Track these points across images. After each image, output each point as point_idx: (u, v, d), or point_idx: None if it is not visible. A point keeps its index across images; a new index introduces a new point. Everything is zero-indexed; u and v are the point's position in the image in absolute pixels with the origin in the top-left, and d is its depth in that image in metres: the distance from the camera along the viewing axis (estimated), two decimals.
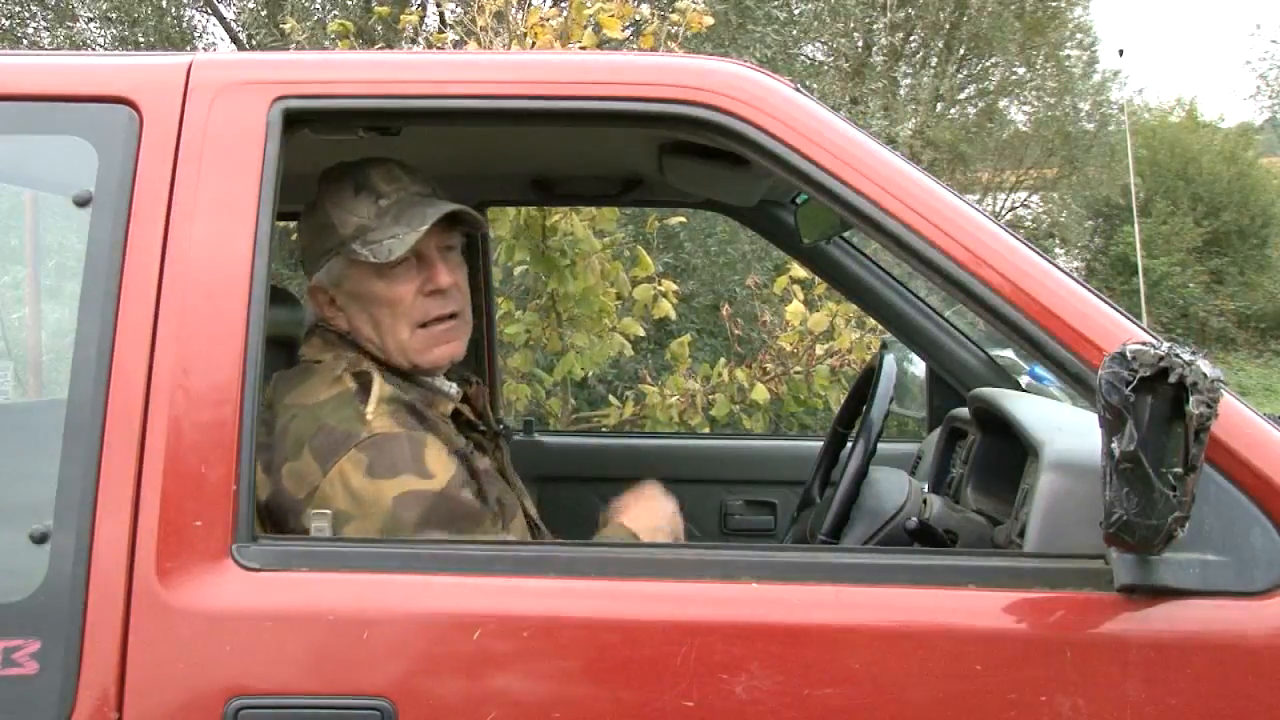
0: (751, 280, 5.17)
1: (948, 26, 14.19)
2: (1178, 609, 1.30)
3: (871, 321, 3.82)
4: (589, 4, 3.83)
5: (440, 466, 1.56)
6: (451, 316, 1.68)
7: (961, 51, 14.70)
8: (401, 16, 4.68)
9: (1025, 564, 1.37)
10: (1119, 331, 1.35)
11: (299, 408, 1.60)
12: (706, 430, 4.17)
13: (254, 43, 8.90)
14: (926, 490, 1.81)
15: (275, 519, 1.56)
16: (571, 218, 3.69)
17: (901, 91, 14.12)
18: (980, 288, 1.39)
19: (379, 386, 1.60)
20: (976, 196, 14.48)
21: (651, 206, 3.81)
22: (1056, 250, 15.78)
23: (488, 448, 1.79)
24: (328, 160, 1.70)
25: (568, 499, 2.45)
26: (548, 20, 3.99)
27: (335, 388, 1.61)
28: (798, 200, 2.41)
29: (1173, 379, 1.19)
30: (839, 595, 1.32)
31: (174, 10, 9.43)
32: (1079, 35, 15.82)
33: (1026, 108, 15.93)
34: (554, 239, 3.71)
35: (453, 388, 1.73)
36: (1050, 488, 1.42)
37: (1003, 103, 15.52)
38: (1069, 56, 15.64)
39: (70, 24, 9.19)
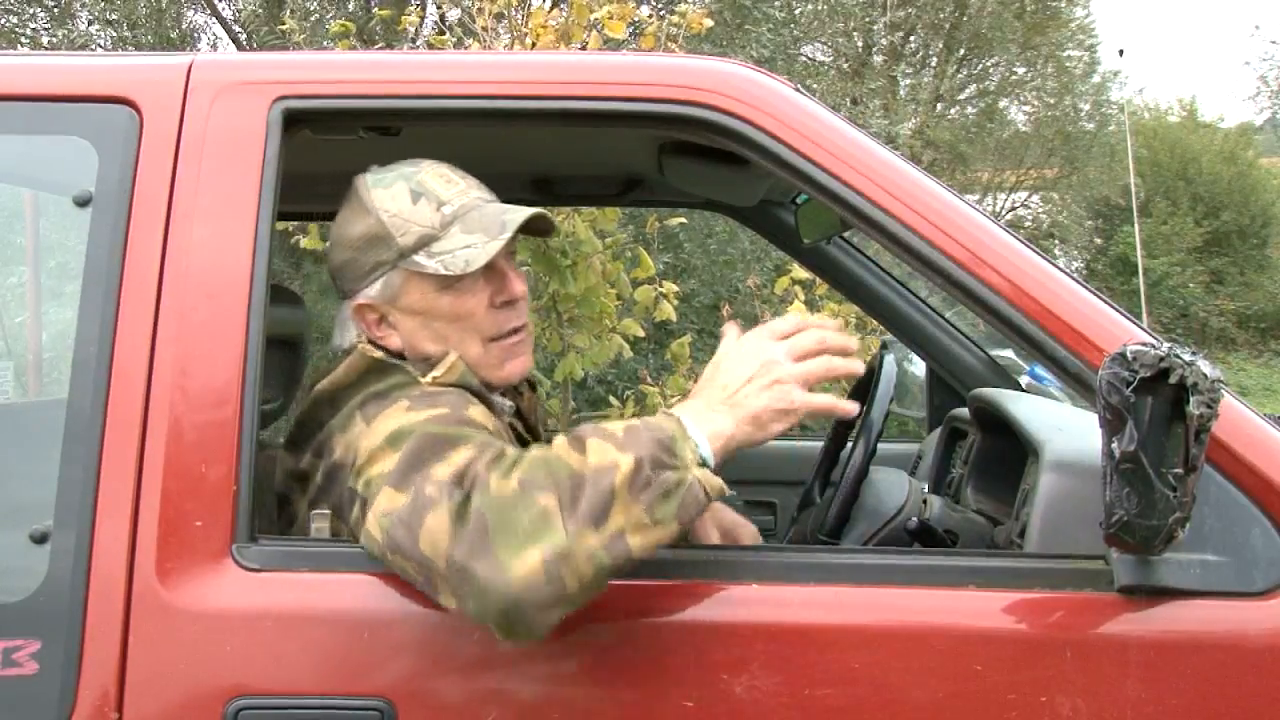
0: (752, 281, 5.17)
1: (948, 26, 14.19)
2: (1178, 609, 1.30)
3: (872, 322, 3.81)
4: (594, 7, 3.83)
5: (484, 419, 1.41)
6: (522, 328, 1.57)
7: (961, 51, 14.70)
8: (401, 18, 4.69)
9: (1025, 564, 1.37)
10: (1119, 332, 1.35)
11: (339, 391, 1.49)
12: None
13: (254, 43, 8.91)
14: (926, 490, 1.81)
15: (329, 497, 1.43)
16: (573, 218, 3.69)
17: (901, 91, 14.12)
18: (980, 288, 1.39)
19: (451, 369, 1.48)
20: (976, 196, 14.48)
21: (651, 206, 3.80)
22: (1056, 250, 15.78)
23: None
24: (328, 160, 1.70)
25: None
26: (549, 21, 3.99)
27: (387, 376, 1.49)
28: (798, 200, 2.41)
29: (1173, 379, 1.19)
30: (839, 595, 1.32)
31: (173, 11, 9.43)
32: (1079, 35, 15.83)
33: (1026, 108, 15.95)
34: (555, 239, 3.71)
35: (507, 403, 1.60)
36: (1050, 488, 1.42)
37: (1003, 103, 15.52)
38: (1069, 56, 15.65)
39: (69, 24, 9.20)
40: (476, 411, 1.41)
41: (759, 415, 1.30)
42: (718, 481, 1.27)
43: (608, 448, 1.24)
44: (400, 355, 1.53)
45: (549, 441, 1.61)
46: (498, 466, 1.25)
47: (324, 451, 1.46)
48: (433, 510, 1.22)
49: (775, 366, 1.31)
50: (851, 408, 1.38)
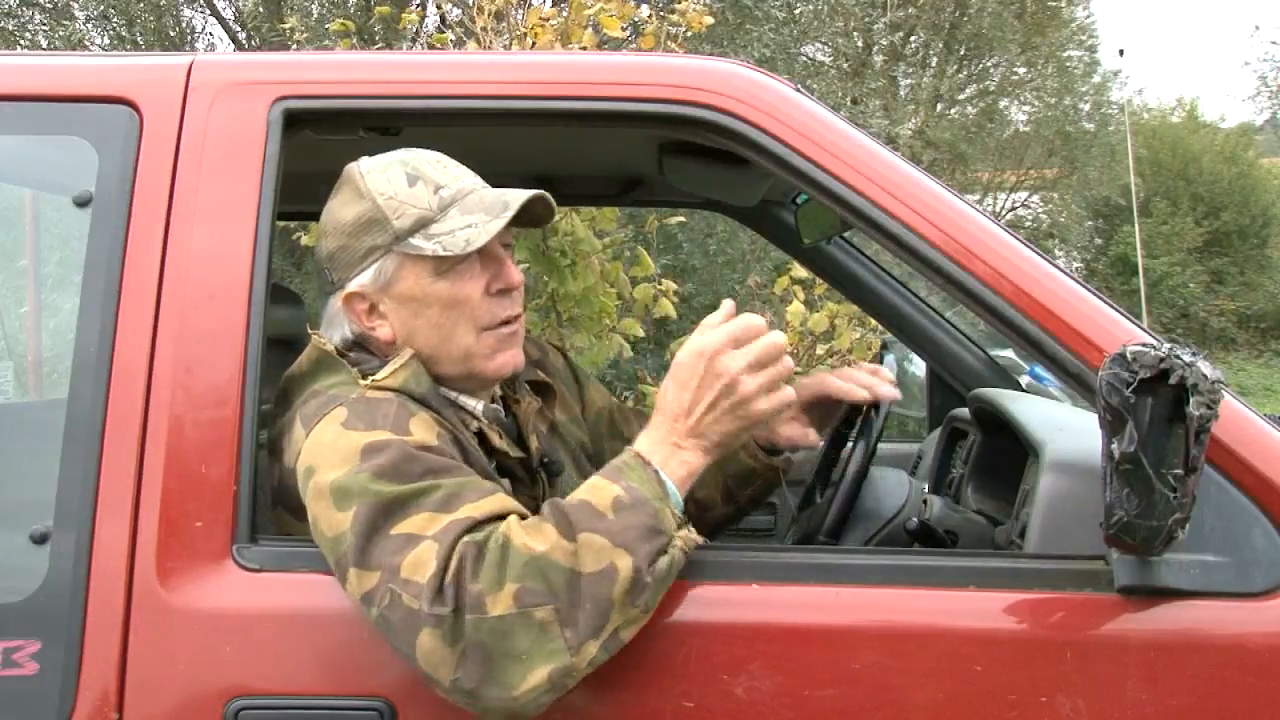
0: (752, 281, 5.17)
1: (948, 26, 14.19)
2: (1178, 610, 1.30)
3: (872, 321, 3.82)
4: (589, 4, 3.83)
5: (426, 433, 1.34)
6: (516, 318, 1.52)
7: (961, 51, 14.71)
8: (402, 16, 4.69)
9: (1025, 565, 1.37)
10: (1119, 332, 1.35)
11: (292, 383, 1.48)
12: None
13: (254, 42, 8.91)
14: (927, 490, 1.81)
15: (288, 503, 1.41)
16: (572, 218, 3.68)
17: (901, 91, 14.12)
18: (980, 288, 1.39)
19: (396, 373, 1.42)
20: (976, 196, 14.49)
21: (652, 206, 3.80)
22: (1056, 250, 15.78)
23: (524, 482, 1.55)
24: (328, 160, 1.70)
25: None
26: (548, 20, 3.99)
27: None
28: (798, 200, 2.41)
29: (1173, 380, 1.19)
30: (839, 595, 1.32)
31: (172, 10, 9.43)
32: (1079, 35, 15.83)
33: (1026, 108, 15.94)
34: (554, 239, 3.71)
35: (479, 406, 1.52)
36: (1050, 488, 1.42)
37: (1003, 103, 15.53)
38: (1069, 56, 15.65)
39: (67, 23, 9.19)
40: (416, 423, 1.35)
41: (725, 439, 1.33)
42: (695, 538, 1.29)
43: (602, 543, 1.22)
44: (366, 350, 1.49)
45: (533, 453, 1.58)
46: (482, 566, 1.20)
47: (275, 450, 1.45)
48: (424, 629, 1.19)
49: (736, 385, 1.31)
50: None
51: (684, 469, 1.31)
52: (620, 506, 1.25)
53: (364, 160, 1.52)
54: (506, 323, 1.50)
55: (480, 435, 1.49)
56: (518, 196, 1.46)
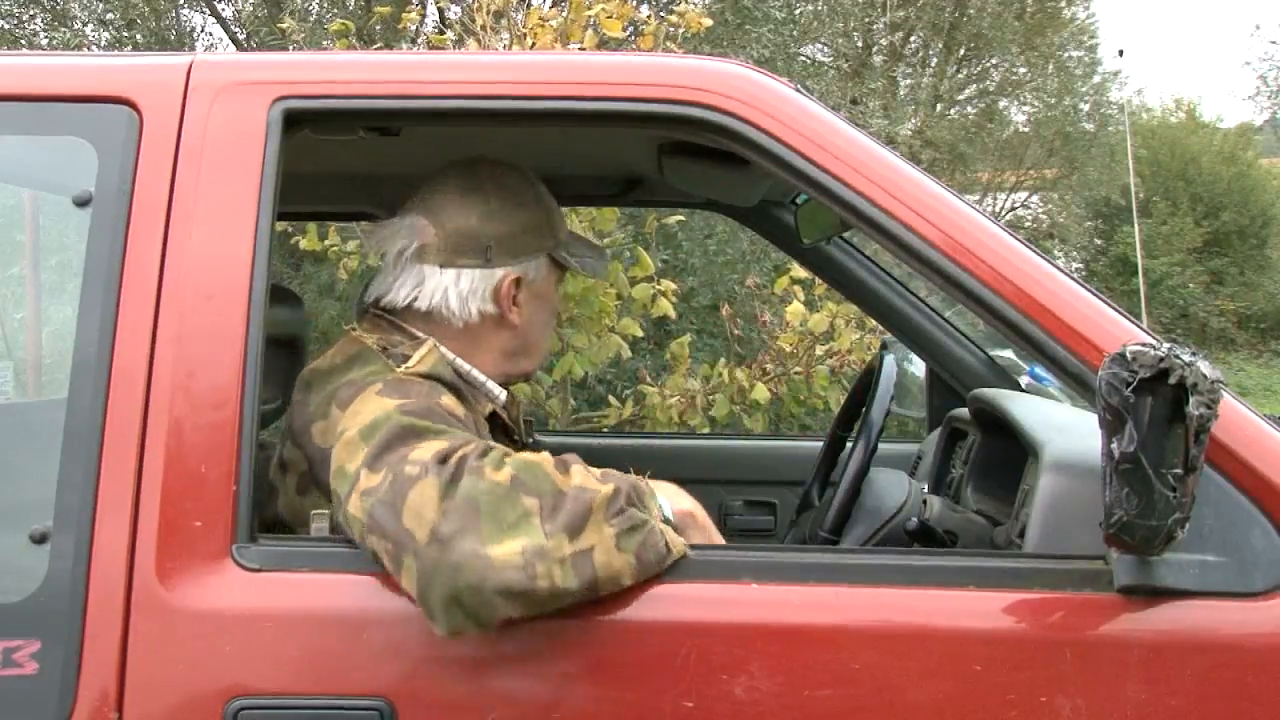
0: (751, 281, 5.17)
1: (948, 26, 14.18)
2: (1178, 610, 1.30)
3: (871, 322, 3.81)
4: (589, 4, 3.83)
5: (454, 408, 1.48)
6: None
7: (961, 52, 14.70)
8: (402, 15, 4.68)
9: (1025, 565, 1.37)
10: (1119, 332, 1.35)
11: (321, 376, 1.56)
12: (706, 430, 4.17)
13: (253, 43, 8.91)
14: (926, 490, 1.81)
15: (318, 484, 1.49)
16: (571, 218, 3.68)
17: (901, 92, 14.12)
18: (980, 288, 1.39)
19: (424, 359, 1.53)
20: (976, 197, 14.49)
21: (651, 206, 3.80)
22: (1056, 251, 15.77)
23: None
24: (328, 160, 1.70)
25: None
26: (547, 20, 3.99)
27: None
28: (798, 200, 2.41)
29: (1173, 380, 1.19)
30: (839, 596, 1.32)
31: (171, 11, 9.43)
32: (1079, 36, 15.82)
33: (1026, 108, 15.92)
34: None
35: (502, 393, 1.69)
36: (1050, 488, 1.42)
37: (1003, 103, 15.51)
38: (1069, 57, 15.64)
39: (67, 25, 9.19)
40: (448, 400, 1.48)
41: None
42: (681, 541, 1.34)
43: (589, 475, 1.32)
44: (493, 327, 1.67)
45: (524, 442, 1.75)
46: (488, 458, 1.29)
47: (303, 440, 1.51)
48: (417, 485, 1.25)
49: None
50: None
51: (678, 501, 1.45)
52: (609, 472, 1.36)
53: (510, 170, 1.72)
54: None
55: (493, 417, 1.65)
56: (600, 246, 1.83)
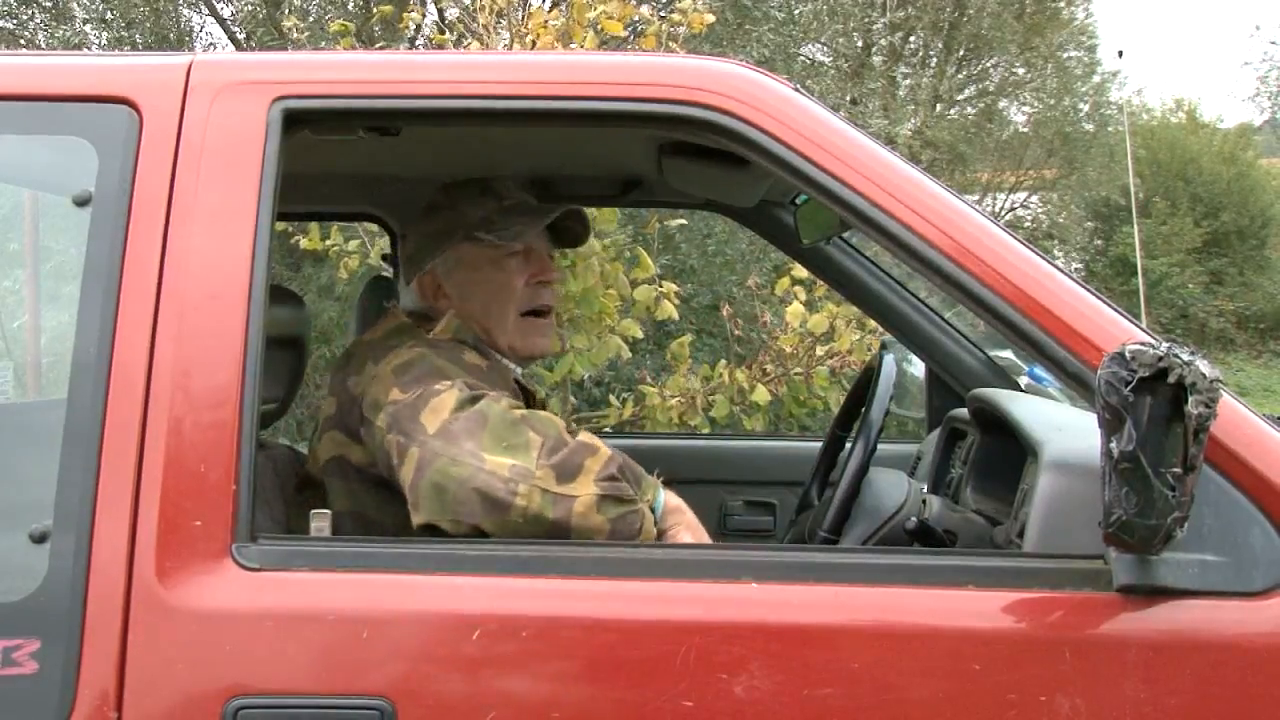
0: (751, 281, 5.17)
1: (947, 26, 14.18)
2: (1177, 609, 1.30)
3: (871, 322, 3.81)
4: (593, 5, 3.83)
5: (478, 359, 1.70)
6: (550, 311, 1.86)
7: (961, 52, 14.70)
8: (403, 15, 4.68)
9: (1024, 564, 1.37)
10: (1118, 332, 1.35)
11: (362, 347, 1.76)
12: (706, 430, 4.17)
13: (253, 43, 8.91)
14: (926, 490, 1.81)
15: (342, 426, 1.67)
16: None
17: (901, 92, 14.12)
18: (980, 288, 1.39)
19: (446, 326, 1.76)
20: (976, 197, 14.48)
21: (651, 207, 3.81)
22: (1056, 251, 15.77)
23: None
24: (328, 160, 1.70)
25: None
26: (549, 22, 3.99)
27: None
28: (797, 201, 2.41)
29: (1172, 379, 1.19)
30: (839, 595, 1.32)
31: (171, 11, 9.43)
32: (1079, 36, 15.82)
33: (1026, 108, 15.93)
34: None
35: (517, 369, 1.84)
36: (1049, 488, 1.42)
37: (1002, 103, 15.52)
38: (1069, 57, 15.64)
39: (67, 25, 9.19)
40: (471, 356, 1.70)
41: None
42: (654, 531, 1.48)
43: (597, 444, 1.46)
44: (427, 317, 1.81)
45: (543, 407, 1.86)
46: (506, 400, 1.49)
47: (338, 390, 1.71)
48: (439, 396, 1.48)
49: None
50: None
51: (674, 498, 1.56)
52: (617, 454, 1.49)
53: (453, 181, 1.88)
54: (540, 312, 1.82)
55: (520, 386, 1.82)
56: (558, 207, 1.85)
